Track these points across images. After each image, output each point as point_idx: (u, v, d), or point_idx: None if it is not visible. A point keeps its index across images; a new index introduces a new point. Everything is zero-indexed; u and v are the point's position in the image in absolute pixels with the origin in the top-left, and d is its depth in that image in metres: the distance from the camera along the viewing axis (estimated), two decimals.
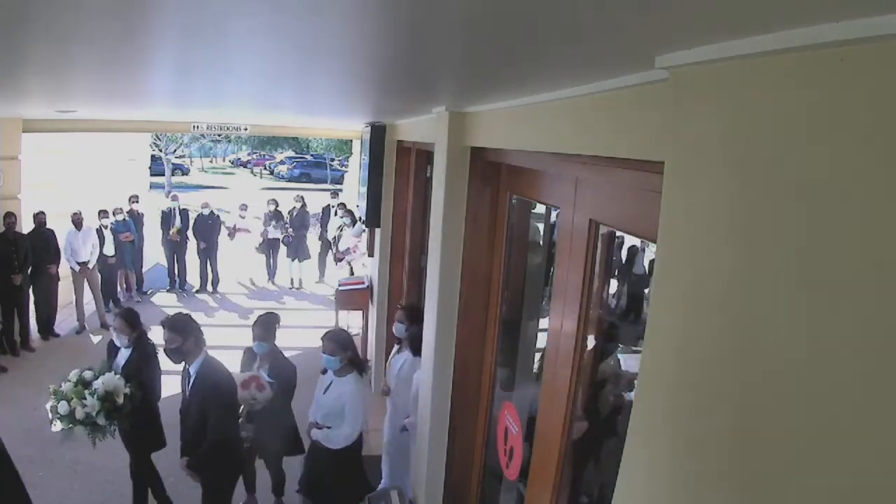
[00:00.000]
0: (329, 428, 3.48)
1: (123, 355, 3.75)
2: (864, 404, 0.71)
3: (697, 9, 0.80)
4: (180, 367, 3.43)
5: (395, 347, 4.30)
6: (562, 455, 2.06)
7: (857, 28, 0.70)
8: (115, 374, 3.54)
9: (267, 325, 3.88)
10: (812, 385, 0.78)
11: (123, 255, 8.65)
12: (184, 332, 3.29)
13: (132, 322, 3.75)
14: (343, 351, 3.48)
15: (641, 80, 1.30)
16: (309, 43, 1.32)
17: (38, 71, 2.16)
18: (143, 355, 3.72)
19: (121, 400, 3.43)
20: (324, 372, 3.64)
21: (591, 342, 2.12)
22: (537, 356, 2.80)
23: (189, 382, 3.34)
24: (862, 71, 0.72)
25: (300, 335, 6.59)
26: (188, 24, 1.15)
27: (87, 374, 3.51)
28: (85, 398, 3.37)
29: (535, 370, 2.83)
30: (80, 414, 3.35)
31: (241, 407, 3.68)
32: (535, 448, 2.27)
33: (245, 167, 34.75)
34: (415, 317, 3.97)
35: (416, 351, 3.70)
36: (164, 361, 3.65)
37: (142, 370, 3.65)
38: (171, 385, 3.83)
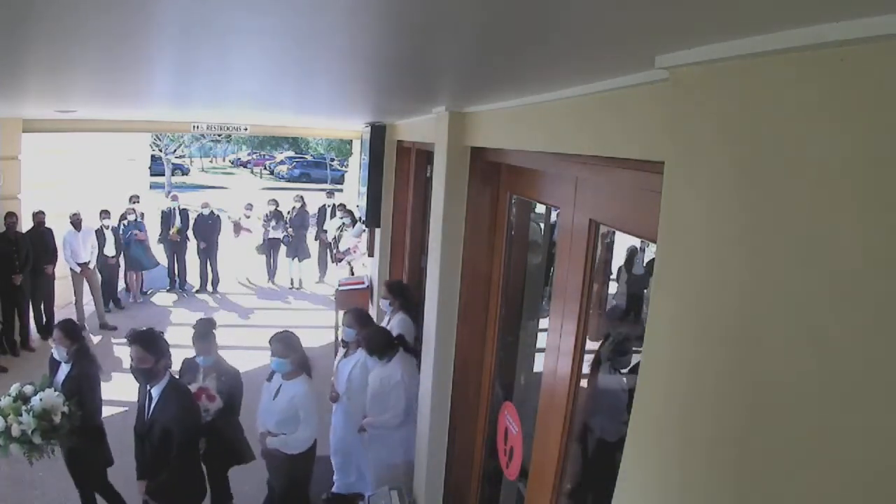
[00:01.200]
0: (284, 434, 3.40)
1: (64, 370, 3.50)
2: (864, 404, 0.71)
3: (697, 9, 0.80)
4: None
5: (342, 351, 4.26)
6: (562, 455, 2.06)
7: (857, 28, 0.70)
8: (56, 390, 3.35)
9: (206, 336, 3.72)
10: (814, 385, 0.78)
11: (135, 256, 8.70)
12: (158, 352, 3.08)
13: (72, 334, 3.49)
14: (293, 353, 3.43)
15: (641, 80, 1.30)
16: (309, 42, 1.32)
17: (38, 71, 2.16)
18: (84, 372, 3.47)
19: (58, 419, 3.23)
20: (269, 379, 3.55)
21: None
22: (537, 356, 2.79)
23: (151, 404, 3.12)
24: (862, 71, 0.72)
25: (299, 336, 6.55)
26: (188, 22, 1.15)
27: (28, 389, 3.32)
28: (21, 415, 3.18)
29: (535, 370, 2.83)
30: (15, 431, 3.16)
31: None
32: (534, 448, 2.27)
33: (245, 167, 34.70)
34: (364, 321, 4.05)
35: (372, 352, 3.67)
36: (107, 369, 3.42)
37: (82, 387, 3.42)
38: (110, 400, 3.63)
